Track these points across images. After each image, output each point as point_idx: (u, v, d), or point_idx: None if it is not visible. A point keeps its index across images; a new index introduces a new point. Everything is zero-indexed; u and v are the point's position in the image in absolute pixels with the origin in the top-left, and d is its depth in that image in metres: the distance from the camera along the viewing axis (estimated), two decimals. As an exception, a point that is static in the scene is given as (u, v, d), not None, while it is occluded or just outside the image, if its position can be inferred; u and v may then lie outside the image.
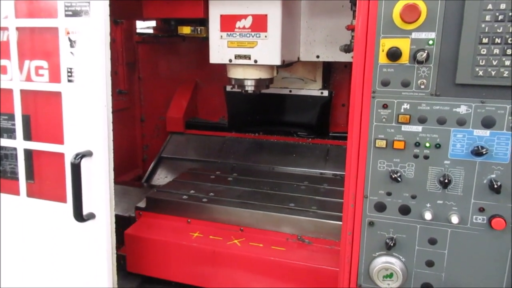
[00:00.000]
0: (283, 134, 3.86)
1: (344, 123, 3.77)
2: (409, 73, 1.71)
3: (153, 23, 3.93)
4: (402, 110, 1.75)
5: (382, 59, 1.72)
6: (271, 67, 2.89)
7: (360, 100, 1.78)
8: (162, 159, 4.17)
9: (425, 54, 1.64)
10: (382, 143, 1.78)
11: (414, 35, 1.68)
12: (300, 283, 2.31)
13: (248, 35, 2.72)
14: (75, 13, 2.06)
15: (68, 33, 2.09)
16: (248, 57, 2.75)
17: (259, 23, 2.69)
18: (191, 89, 4.27)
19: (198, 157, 4.09)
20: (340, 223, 2.24)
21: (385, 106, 1.76)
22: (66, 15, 2.08)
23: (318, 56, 3.11)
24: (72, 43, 2.10)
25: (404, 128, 1.76)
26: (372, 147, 1.81)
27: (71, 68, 2.12)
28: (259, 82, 2.91)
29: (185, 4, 2.92)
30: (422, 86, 1.70)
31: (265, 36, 2.69)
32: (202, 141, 4.15)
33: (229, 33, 2.75)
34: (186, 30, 3.09)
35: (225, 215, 2.67)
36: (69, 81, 2.12)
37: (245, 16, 2.70)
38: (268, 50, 2.70)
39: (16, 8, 2.16)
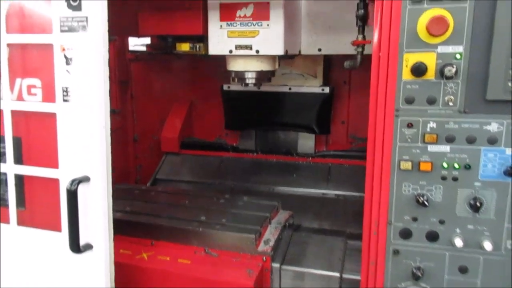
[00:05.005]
0: (282, 153, 3.74)
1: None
2: (435, 89, 1.61)
3: (147, 40, 3.80)
4: (428, 129, 1.65)
5: (406, 75, 1.62)
6: (273, 58, 2.76)
7: (383, 119, 1.67)
8: (157, 181, 4.00)
9: (454, 69, 1.54)
10: (407, 165, 1.67)
11: (440, 49, 1.58)
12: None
13: (249, 24, 2.57)
14: (72, 29, 1.93)
15: (63, 49, 1.96)
16: (249, 47, 2.60)
17: (261, 12, 2.54)
18: (186, 108, 4.13)
19: (194, 178, 3.94)
20: (244, 234, 2.39)
21: (409, 125, 1.66)
22: (62, 31, 1.94)
23: (320, 49, 2.96)
24: (68, 60, 1.96)
25: (431, 148, 1.66)
26: (396, 169, 1.69)
27: (66, 87, 1.98)
28: (260, 75, 2.77)
29: (183, 20, 2.80)
30: (450, 103, 1.60)
31: (267, 25, 2.55)
32: (198, 162, 4.01)
33: (229, 22, 2.60)
34: (184, 47, 2.95)
35: (136, 229, 2.63)
36: (65, 100, 1.98)
37: (246, 4, 2.56)
38: (270, 40, 2.56)
39: (7, 22, 2.02)
